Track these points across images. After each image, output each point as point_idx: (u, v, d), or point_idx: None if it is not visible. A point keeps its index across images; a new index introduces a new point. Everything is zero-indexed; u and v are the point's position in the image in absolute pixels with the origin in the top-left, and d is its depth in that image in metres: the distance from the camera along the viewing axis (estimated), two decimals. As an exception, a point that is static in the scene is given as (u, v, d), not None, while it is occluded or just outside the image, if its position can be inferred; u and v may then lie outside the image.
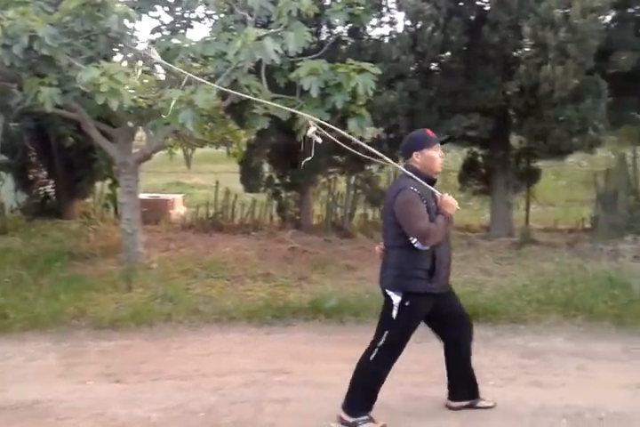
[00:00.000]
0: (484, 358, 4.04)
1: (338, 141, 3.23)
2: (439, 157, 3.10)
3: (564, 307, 4.85)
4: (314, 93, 5.53)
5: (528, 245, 6.97)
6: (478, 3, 7.93)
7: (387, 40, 8.36)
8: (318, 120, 3.21)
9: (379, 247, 3.23)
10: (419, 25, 7.64)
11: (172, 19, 6.71)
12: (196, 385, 3.74)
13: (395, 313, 3.05)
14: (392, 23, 8.65)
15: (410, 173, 3.05)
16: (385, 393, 3.49)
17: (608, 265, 5.32)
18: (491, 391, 3.48)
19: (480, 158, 8.46)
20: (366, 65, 5.77)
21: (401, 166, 3.21)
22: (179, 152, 9.76)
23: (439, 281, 3.07)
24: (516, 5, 6.84)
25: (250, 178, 8.65)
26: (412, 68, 7.83)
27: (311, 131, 3.11)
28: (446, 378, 3.35)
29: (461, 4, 7.59)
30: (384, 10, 8.65)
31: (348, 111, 6.05)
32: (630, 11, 8.07)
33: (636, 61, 7.29)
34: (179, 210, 9.64)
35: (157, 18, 6.72)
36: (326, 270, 6.23)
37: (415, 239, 2.93)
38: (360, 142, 3.25)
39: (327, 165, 8.50)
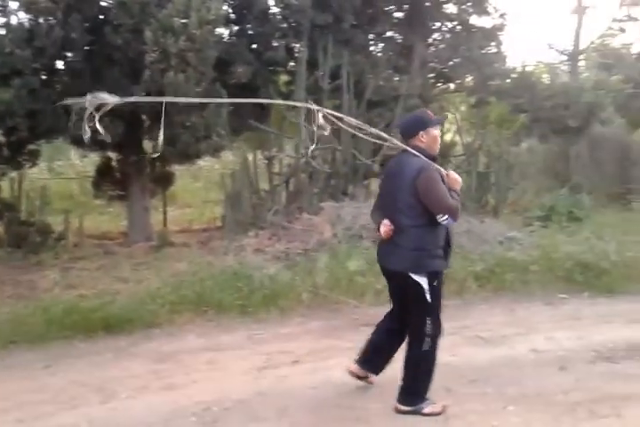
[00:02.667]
0: (115, 370, 3.93)
1: (350, 129, 3.08)
2: (439, 137, 3.23)
3: (195, 305, 5.00)
4: None
5: (165, 247, 7.10)
6: (101, 2, 7.72)
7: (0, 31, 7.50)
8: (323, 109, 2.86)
9: (388, 227, 3.11)
10: (36, 18, 7.06)
11: None
12: None
13: (429, 296, 3.06)
14: (5, 13, 7.79)
15: (415, 153, 3.06)
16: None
17: (234, 260, 5.72)
18: (122, 405, 3.38)
19: (114, 163, 8.26)
20: (-35, 57, 5.01)
21: (407, 147, 3.14)
22: None
23: (449, 258, 3.20)
24: (138, 10, 6.86)
25: None
26: (32, 65, 7.17)
27: (320, 119, 2.83)
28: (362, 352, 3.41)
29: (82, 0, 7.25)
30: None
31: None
32: (245, 27, 8.96)
33: (250, 74, 8.11)
34: None
35: None
36: None
37: (445, 216, 2.98)
38: (370, 128, 3.08)
39: None
